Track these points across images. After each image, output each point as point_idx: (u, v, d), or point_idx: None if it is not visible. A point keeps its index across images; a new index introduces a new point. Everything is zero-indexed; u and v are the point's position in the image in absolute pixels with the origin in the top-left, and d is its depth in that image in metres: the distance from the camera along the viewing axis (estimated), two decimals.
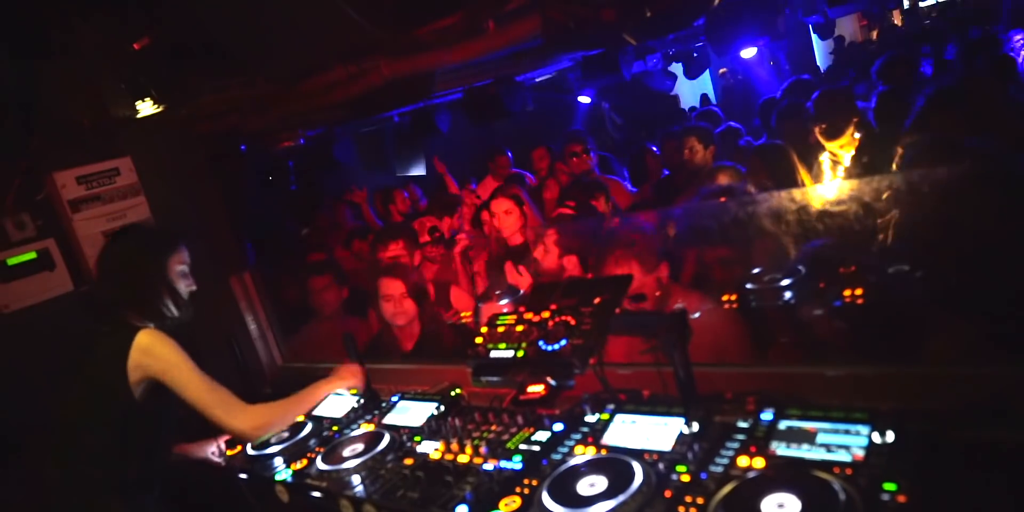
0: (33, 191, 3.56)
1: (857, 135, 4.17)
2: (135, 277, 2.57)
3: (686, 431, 1.94)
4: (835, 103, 4.29)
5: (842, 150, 4.22)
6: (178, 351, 2.48)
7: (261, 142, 6.02)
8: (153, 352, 2.44)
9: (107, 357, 2.45)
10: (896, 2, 11.67)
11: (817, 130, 4.26)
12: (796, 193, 2.61)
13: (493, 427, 2.32)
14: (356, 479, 2.27)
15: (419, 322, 3.64)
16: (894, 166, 3.19)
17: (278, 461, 2.61)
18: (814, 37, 12.00)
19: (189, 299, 2.68)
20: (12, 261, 3.42)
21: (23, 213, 3.51)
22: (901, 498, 1.46)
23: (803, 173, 4.35)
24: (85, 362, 2.53)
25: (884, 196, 2.45)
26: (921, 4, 13.18)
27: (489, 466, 2.09)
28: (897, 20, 14.04)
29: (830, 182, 4.13)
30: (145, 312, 2.56)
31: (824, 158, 4.32)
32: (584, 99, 7.53)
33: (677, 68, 8.99)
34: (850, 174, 4.06)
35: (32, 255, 3.48)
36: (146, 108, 3.82)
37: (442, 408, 2.59)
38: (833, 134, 4.19)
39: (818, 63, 12.75)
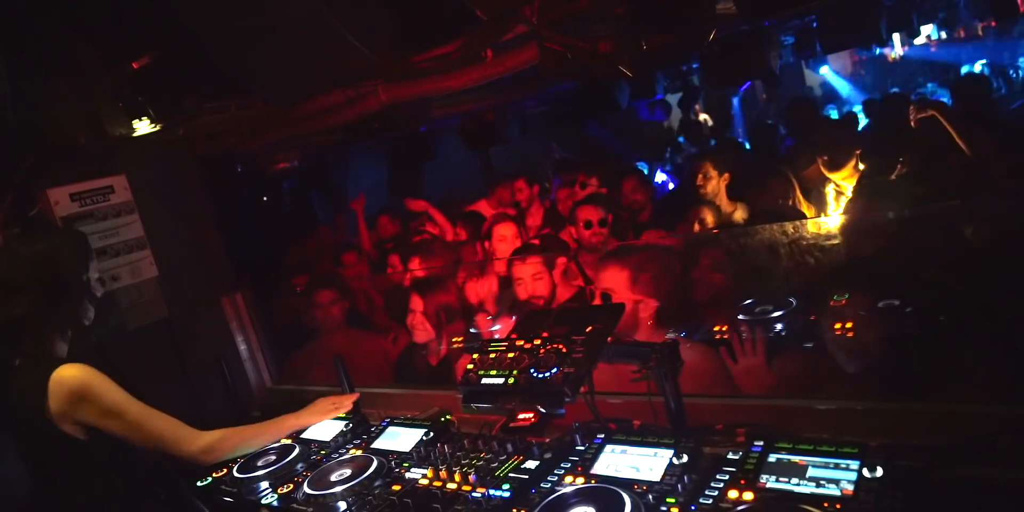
0: (26, 207, 3.55)
1: (860, 167, 4.23)
2: (60, 286, 2.26)
3: (676, 462, 1.93)
4: (837, 135, 4.36)
5: (845, 181, 4.28)
6: (108, 391, 2.19)
7: (257, 163, 6.05)
8: (80, 400, 2.14)
9: (26, 403, 2.15)
10: (888, 42, 11.88)
11: (820, 161, 4.32)
12: (789, 226, 2.65)
13: (482, 454, 2.30)
14: (343, 505, 2.24)
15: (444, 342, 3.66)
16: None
17: (264, 485, 2.58)
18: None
19: (101, 304, 2.45)
20: None
21: (15, 230, 3.49)
22: None
23: (803, 203, 4.40)
24: (8, 405, 2.22)
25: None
26: (916, 42, 13.37)
27: (478, 494, 2.07)
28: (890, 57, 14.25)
29: (833, 213, 4.20)
30: (64, 327, 2.28)
31: (829, 189, 4.38)
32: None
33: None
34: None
35: None
36: (143, 127, 3.84)
37: (431, 434, 2.57)
38: (835, 166, 4.25)
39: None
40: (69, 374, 2.16)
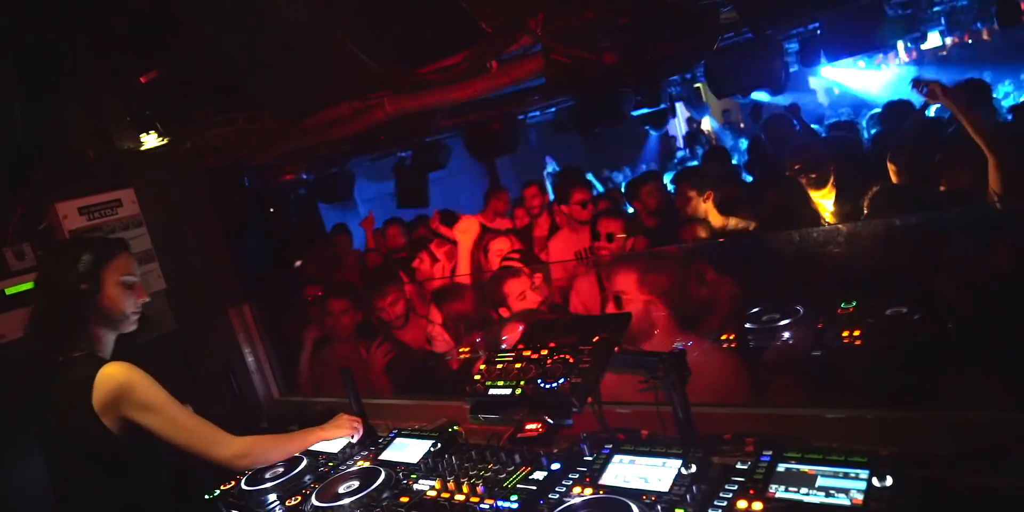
0: (35, 221, 3.58)
1: (835, 185, 4.22)
2: (64, 295, 2.33)
3: (684, 472, 1.92)
4: (815, 154, 4.36)
5: (823, 200, 4.28)
6: (150, 388, 2.28)
7: (265, 175, 6.08)
8: (123, 395, 2.23)
9: (70, 396, 2.24)
10: (892, 48, 11.84)
11: (804, 180, 4.32)
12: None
13: (490, 465, 2.29)
14: None
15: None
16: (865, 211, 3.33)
17: (272, 497, 2.58)
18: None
19: (141, 312, 2.48)
20: (11, 291, 3.42)
21: (24, 243, 3.52)
22: None
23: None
24: (51, 399, 2.32)
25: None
26: (923, 47, 13.29)
27: (486, 505, 2.07)
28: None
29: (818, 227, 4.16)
30: (88, 333, 2.35)
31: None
32: None
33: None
34: (836, 220, 4.12)
35: (31, 285, 3.48)
36: (151, 140, 3.87)
37: (439, 445, 2.57)
38: (818, 184, 4.26)
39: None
40: (115, 370, 2.26)
